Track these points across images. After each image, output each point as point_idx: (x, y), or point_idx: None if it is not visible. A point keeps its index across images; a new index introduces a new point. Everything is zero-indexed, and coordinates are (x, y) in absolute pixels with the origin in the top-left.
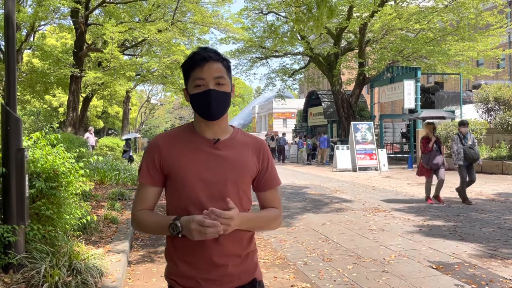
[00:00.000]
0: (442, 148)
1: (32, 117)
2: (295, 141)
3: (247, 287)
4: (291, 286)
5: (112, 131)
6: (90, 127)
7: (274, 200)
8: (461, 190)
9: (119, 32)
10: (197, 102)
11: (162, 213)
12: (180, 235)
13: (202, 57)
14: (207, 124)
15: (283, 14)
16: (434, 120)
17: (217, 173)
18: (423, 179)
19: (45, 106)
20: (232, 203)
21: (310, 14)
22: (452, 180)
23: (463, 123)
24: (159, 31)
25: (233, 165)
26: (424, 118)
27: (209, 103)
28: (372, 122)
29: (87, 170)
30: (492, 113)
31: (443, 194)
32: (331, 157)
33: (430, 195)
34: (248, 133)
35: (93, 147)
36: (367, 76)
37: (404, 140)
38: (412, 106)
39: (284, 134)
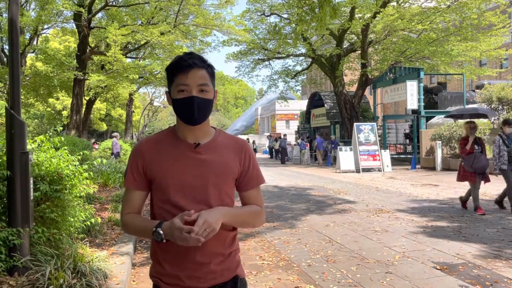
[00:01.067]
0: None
1: (36, 120)
2: (298, 143)
3: (229, 284)
4: (295, 287)
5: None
6: (115, 133)
7: (257, 198)
8: (507, 196)
9: (122, 35)
10: (179, 107)
11: (148, 216)
12: (164, 241)
13: (187, 64)
14: (189, 129)
15: (286, 15)
16: (438, 121)
17: (199, 177)
18: (426, 180)
19: (48, 109)
20: (193, 214)
21: (313, 14)
22: (455, 181)
23: (507, 122)
24: (162, 33)
25: (214, 168)
26: (458, 116)
27: (191, 109)
28: (375, 123)
29: (91, 173)
30: (495, 113)
31: (447, 194)
32: (331, 158)
33: (479, 203)
34: (229, 134)
35: (118, 154)
36: (369, 77)
37: (407, 141)
38: (415, 106)
39: (285, 135)
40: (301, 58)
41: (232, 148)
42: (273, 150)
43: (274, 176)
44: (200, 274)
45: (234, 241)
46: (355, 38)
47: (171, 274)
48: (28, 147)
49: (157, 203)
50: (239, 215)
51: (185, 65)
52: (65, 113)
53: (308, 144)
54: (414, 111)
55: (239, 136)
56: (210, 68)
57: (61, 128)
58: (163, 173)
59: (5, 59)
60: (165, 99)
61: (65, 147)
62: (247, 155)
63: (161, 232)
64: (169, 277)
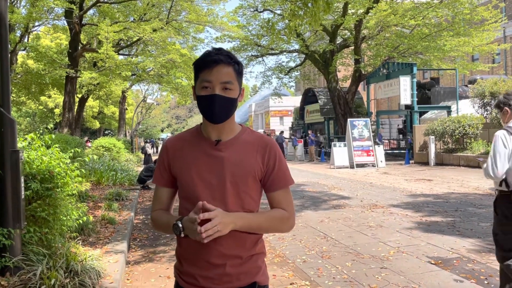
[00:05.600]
0: None
1: (28, 118)
2: (291, 139)
3: None
4: (290, 284)
5: (109, 131)
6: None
7: (281, 201)
8: None
9: (114, 32)
10: (202, 104)
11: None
12: (182, 235)
13: (213, 59)
14: (212, 126)
15: (279, 11)
16: (432, 116)
17: (217, 174)
18: (420, 175)
19: (40, 107)
20: (207, 205)
21: (307, 8)
22: (448, 175)
23: None
24: (154, 30)
25: (231, 166)
26: None
27: (213, 107)
28: (368, 119)
29: (83, 170)
30: (488, 108)
31: (441, 189)
32: (326, 154)
33: None
34: (256, 132)
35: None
36: (363, 72)
37: (401, 136)
38: (408, 102)
39: (281, 132)
40: (294, 54)
41: (256, 147)
42: None
43: None
44: (214, 275)
45: (256, 245)
46: (348, 33)
47: (188, 272)
48: (19, 145)
49: (180, 200)
50: (257, 222)
51: (211, 60)
52: (57, 111)
53: (302, 140)
54: (407, 107)
55: None
56: (237, 65)
57: (53, 126)
58: (184, 170)
59: None
60: (158, 96)
61: (56, 145)
62: (271, 155)
63: (180, 225)
64: (186, 275)
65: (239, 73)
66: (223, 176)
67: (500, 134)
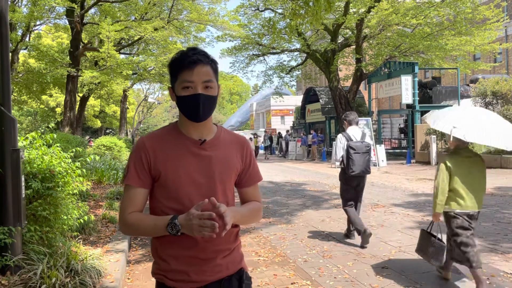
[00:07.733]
0: None
1: (29, 117)
2: (294, 138)
3: (235, 277)
4: (291, 283)
5: (110, 130)
6: None
7: (255, 194)
8: None
9: (115, 31)
10: (184, 105)
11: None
12: (179, 233)
13: (192, 60)
14: (193, 125)
15: (280, 10)
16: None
17: (206, 173)
18: (422, 174)
19: (42, 106)
20: (214, 200)
21: (308, 7)
22: None
23: None
24: (155, 29)
25: (219, 164)
26: None
27: (197, 106)
28: (370, 118)
29: (84, 170)
30: (490, 107)
31: None
32: (327, 154)
33: None
34: (231, 132)
35: None
36: (364, 72)
37: (402, 135)
38: (410, 101)
39: (287, 131)
40: (295, 53)
41: (235, 145)
42: (268, 146)
43: (268, 172)
44: (206, 268)
45: (237, 237)
46: (350, 33)
47: (178, 270)
48: (20, 144)
49: (160, 200)
50: (245, 215)
51: (190, 61)
52: (58, 110)
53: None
54: (408, 106)
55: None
56: (214, 64)
57: (53, 124)
58: (169, 170)
59: None
60: (159, 95)
61: (58, 144)
62: (248, 152)
63: (178, 223)
64: (175, 273)
65: (216, 71)
66: (212, 174)
67: (339, 136)
